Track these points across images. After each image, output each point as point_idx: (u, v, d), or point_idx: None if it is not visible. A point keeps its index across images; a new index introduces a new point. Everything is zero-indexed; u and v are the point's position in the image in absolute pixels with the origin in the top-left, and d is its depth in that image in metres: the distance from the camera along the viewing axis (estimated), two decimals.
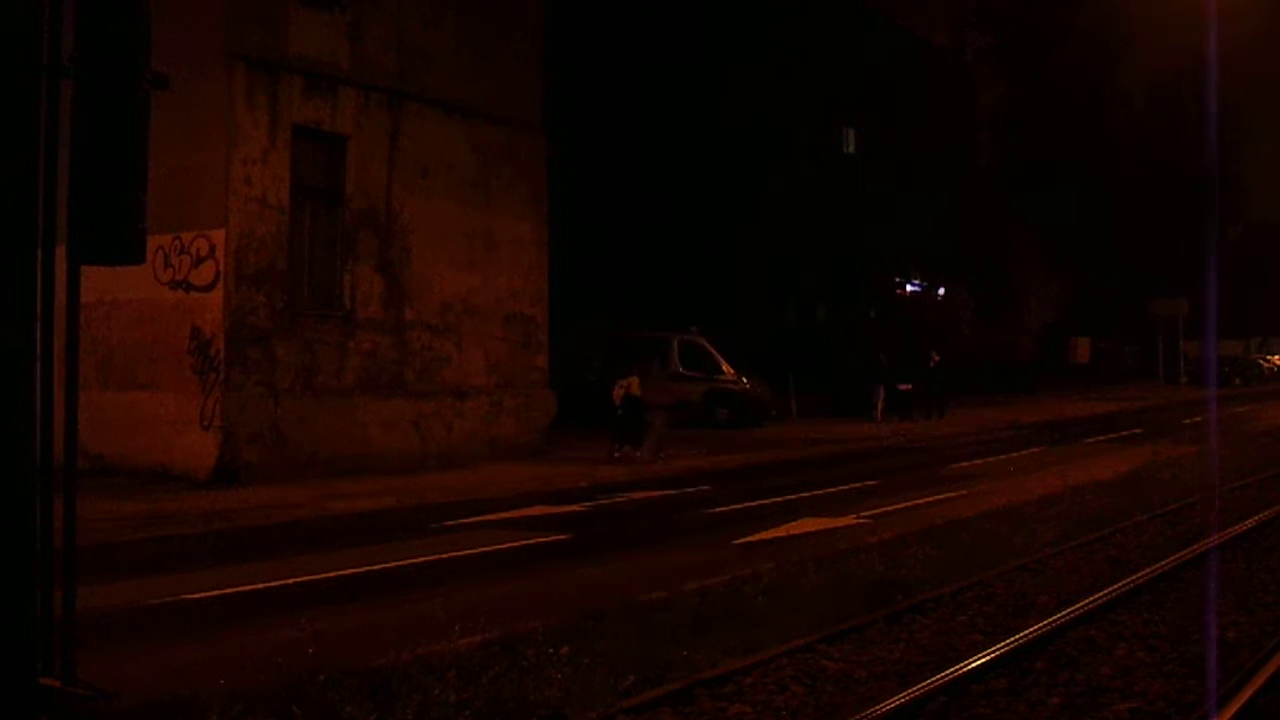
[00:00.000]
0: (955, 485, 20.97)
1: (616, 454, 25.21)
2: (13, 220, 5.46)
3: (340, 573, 12.95)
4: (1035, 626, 9.60)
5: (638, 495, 20.15)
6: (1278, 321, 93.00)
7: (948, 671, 8.30)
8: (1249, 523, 15.22)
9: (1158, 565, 12.33)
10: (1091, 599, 10.63)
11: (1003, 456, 26.65)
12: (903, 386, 38.38)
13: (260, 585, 12.23)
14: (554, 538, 15.79)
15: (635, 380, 26.03)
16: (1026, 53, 60.86)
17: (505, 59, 24.88)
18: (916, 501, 18.77)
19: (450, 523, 16.69)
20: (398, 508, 18.27)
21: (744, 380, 34.11)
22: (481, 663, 8.29)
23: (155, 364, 20.25)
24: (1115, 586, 11.20)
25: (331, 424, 21.04)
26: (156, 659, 9.00)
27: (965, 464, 25.16)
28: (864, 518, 16.94)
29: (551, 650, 8.55)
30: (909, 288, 51.45)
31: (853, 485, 21.09)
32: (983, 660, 8.62)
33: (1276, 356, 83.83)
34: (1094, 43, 62.96)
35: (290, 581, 12.52)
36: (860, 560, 12.57)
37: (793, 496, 19.55)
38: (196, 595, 11.67)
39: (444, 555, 14.18)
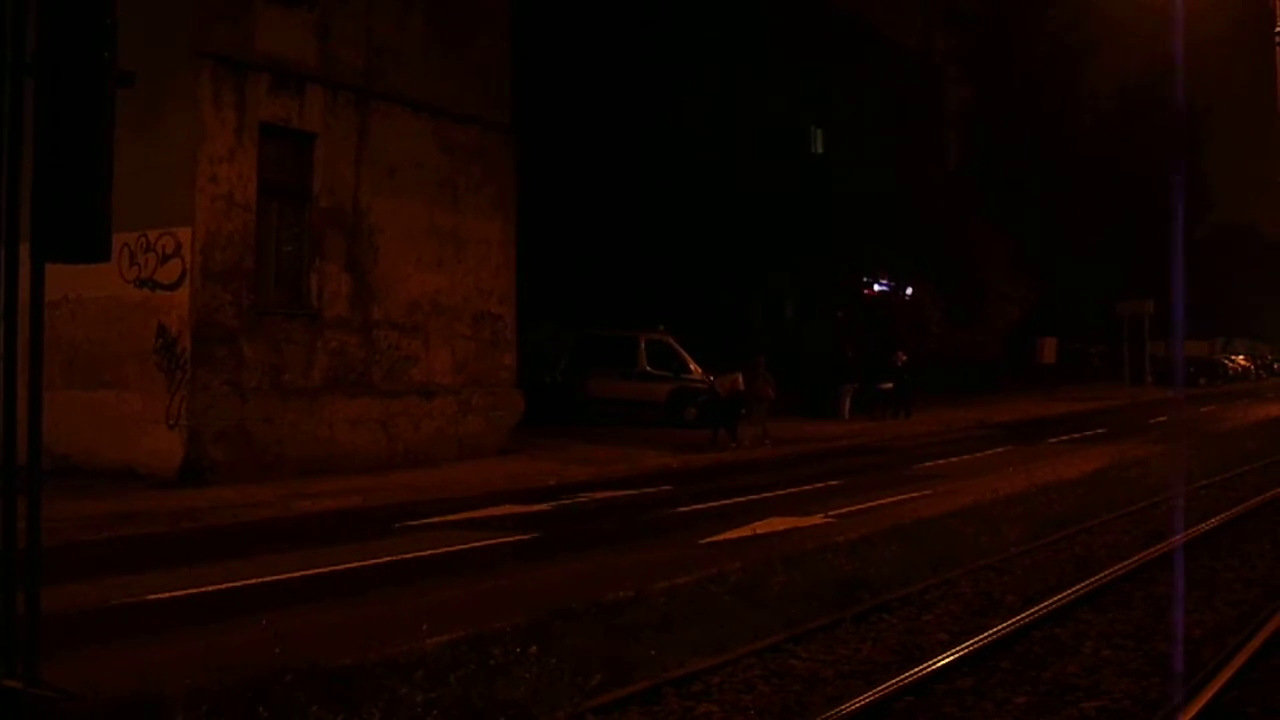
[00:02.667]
0: (922, 484, 21.04)
1: (732, 443, 28.16)
2: None
3: (307, 572, 12.92)
4: (1001, 625, 9.65)
5: (605, 495, 20.14)
6: (1243, 322, 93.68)
7: (914, 670, 8.33)
8: (1214, 521, 15.31)
9: (1123, 564, 12.39)
10: (1057, 598, 10.68)
11: (969, 456, 26.75)
12: (884, 386, 38.54)
13: (227, 585, 12.18)
14: (521, 537, 15.79)
15: (740, 377, 29.07)
16: (994, 54, 61.09)
17: (473, 59, 24.84)
18: (884, 500, 18.83)
19: (417, 522, 16.65)
20: (365, 507, 18.25)
21: (711, 379, 34.13)
22: (449, 662, 8.28)
23: (121, 363, 20.14)
24: (1081, 585, 11.25)
25: (298, 423, 20.97)
26: (122, 659, 8.95)
27: (932, 463, 25.24)
28: (831, 517, 16.99)
29: (519, 650, 8.54)
30: (877, 287, 51.57)
31: (820, 484, 21.13)
32: (949, 659, 8.65)
33: (1241, 357, 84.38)
34: (1062, 45, 63.24)
35: (257, 581, 12.48)
36: (828, 559, 12.60)
37: (760, 495, 19.59)
38: (162, 595, 11.62)
39: (411, 555, 14.14)
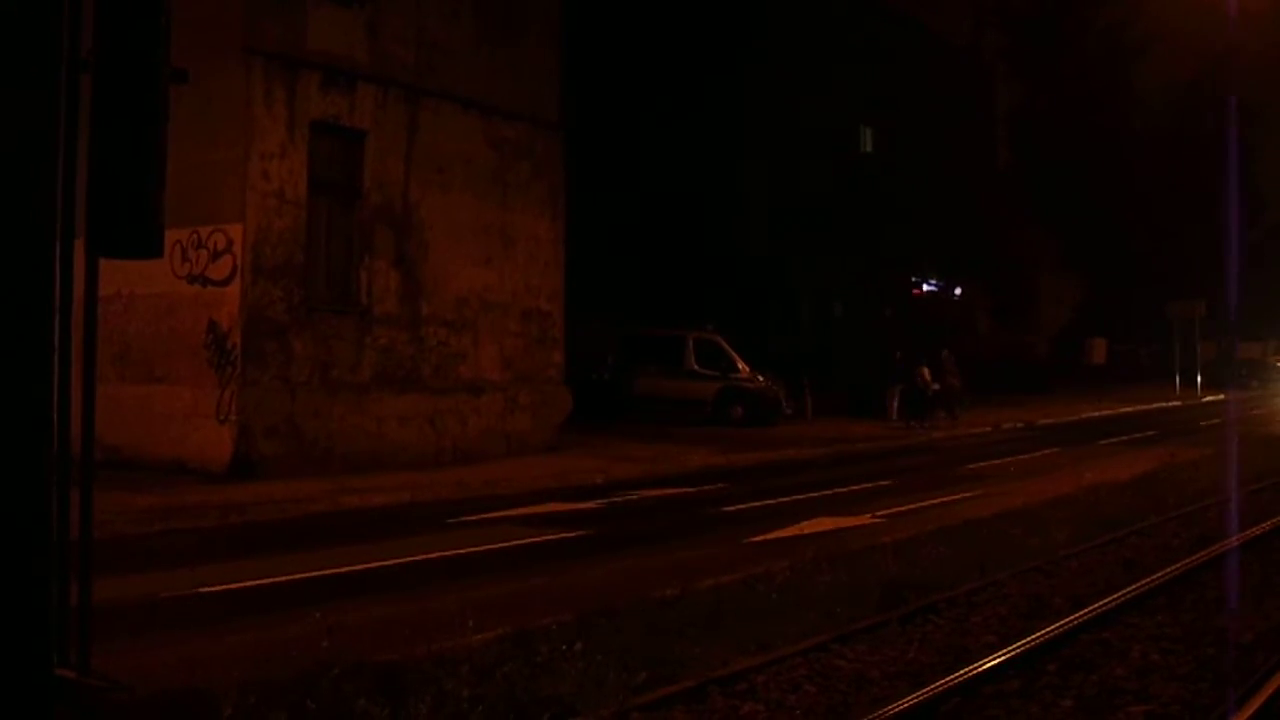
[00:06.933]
0: (969, 486, 20.95)
1: (915, 424, 34.25)
2: (33, 213, 5.47)
3: (354, 567, 12.99)
4: (1049, 628, 9.59)
5: (652, 493, 20.15)
6: None
7: (961, 672, 8.30)
8: (1265, 525, 15.17)
9: (1173, 567, 12.30)
10: (1106, 601, 10.61)
11: (1017, 457, 26.61)
12: (935, 386, 38.47)
13: (275, 579, 12.26)
14: (568, 534, 15.81)
15: (926, 370, 35.00)
16: (1045, 52, 60.75)
17: (523, 56, 24.89)
18: (931, 501, 18.76)
19: (464, 518, 16.72)
20: (412, 503, 18.33)
21: (759, 378, 34.10)
22: (495, 658, 8.30)
23: (172, 357, 20.29)
24: (1130, 588, 11.18)
25: (347, 419, 21.08)
26: (171, 651, 9.02)
27: (979, 465, 25.11)
28: (878, 517, 16.94)
29: (565, 646, 8.55)
30: (925, 287, 51.39)
31: (867, 485, 21.08)
32: (996, 661, 8.61)
33: None
34: (1113, 43, 62.79)
35: (304, 575, 12.54)
36: (874, 560, 12.56)
37: (807, 495, 19.55)
38: (211, 588, 11.70)
39: (458, 551, 14.20)
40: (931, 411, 35.02)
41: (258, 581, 12.08)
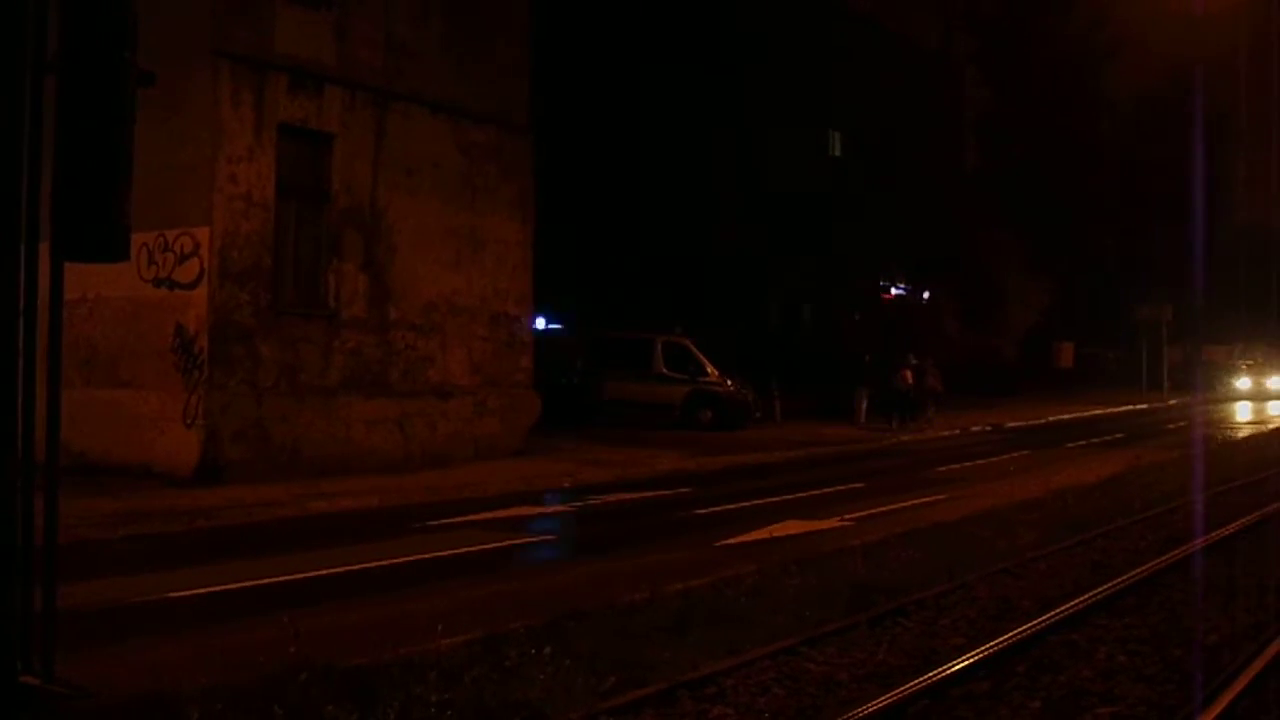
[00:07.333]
0: (938, 489, 21.00)
1: (896, 425, 34.76)
2: None
3: (322, 572, 12.93)
4: (1017, 630, 9.62)
5: (620, 497, 20.12)
6: (1260, 327, 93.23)
7: (930, 674, 8.32)
8: (1231, 527, 15.26)
9: (1140, 569, 12.36)
10: (1073, 603, 10.66)
11: (986, 460, 26.69)
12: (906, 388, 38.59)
13: (242, 584, 12.19)
14: (536, 538, 15.80)
15: (908, 372, 35.85)
16: (1013, 56, 60.90)
17: (492, 59, 24.83)
18: (899, 504, 18.79)
19: (433, 523, 16.66)
20: (381, 507, 18.27)
21: (728, 382, 34.09)
22: (463, 663, 8.29)
23: (138, 362, 20.18)
24: (1097, 590, 11.22)
25: (315, 423, 20.99)
26: (137, 657, 8.97)
27: (948, 467, 25.17)
28: (847, 520, 16.96)
29: (533, 651, 8.54)
30: (894, 290, 51.50)
31: (836, 488, 21.10)
32: (965, 663, 8.63)
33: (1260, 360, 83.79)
34: (1081, 47, 62.97)
35: (272, 580, 12.49)
36: (843, 563, 12.58)
37: (776, 499, 19.56)
38: (178, 593, 11.64)
39: (427, 555, 14.15)
40: (912, 413, 35.72)
41: (225, 586, 12.01)
